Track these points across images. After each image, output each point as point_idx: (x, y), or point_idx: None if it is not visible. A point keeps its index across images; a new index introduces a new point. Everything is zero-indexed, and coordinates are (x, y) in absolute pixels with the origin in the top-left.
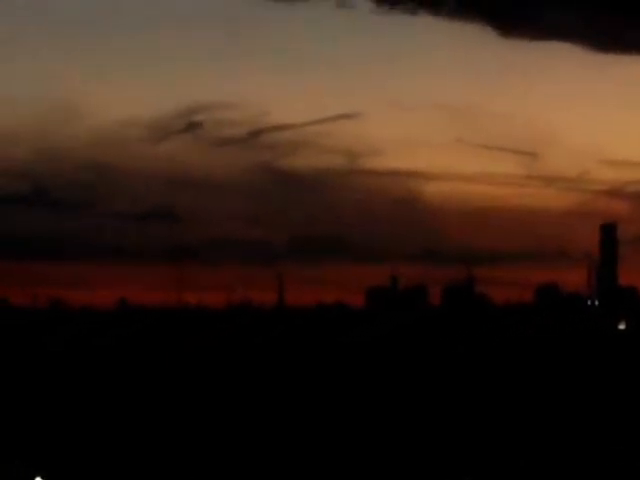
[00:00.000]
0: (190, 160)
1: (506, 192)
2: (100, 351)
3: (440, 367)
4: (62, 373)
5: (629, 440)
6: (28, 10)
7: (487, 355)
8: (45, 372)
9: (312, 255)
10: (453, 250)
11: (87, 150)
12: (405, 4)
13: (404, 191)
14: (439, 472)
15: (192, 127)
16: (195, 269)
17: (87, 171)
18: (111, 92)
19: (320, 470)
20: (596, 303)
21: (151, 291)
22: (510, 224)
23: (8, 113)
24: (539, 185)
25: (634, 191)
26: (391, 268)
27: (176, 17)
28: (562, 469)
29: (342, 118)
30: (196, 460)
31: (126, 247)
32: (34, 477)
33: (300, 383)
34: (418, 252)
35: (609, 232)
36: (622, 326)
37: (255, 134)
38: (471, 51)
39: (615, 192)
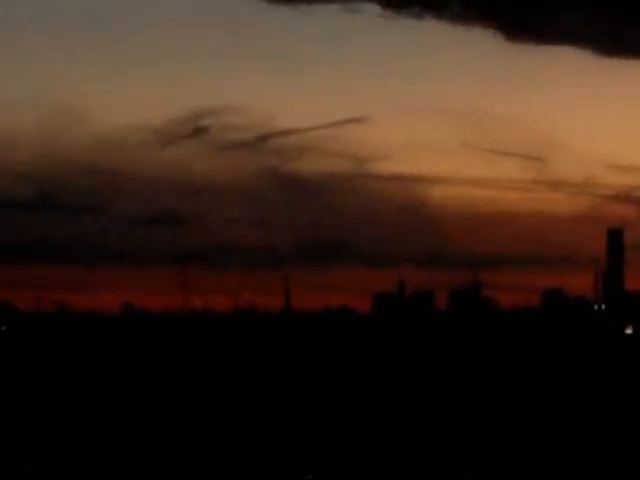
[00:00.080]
0: (196, 165)
1: (512, 197)
2: (106, 355)
3: (447, 371)
4: (69, 377)
5: (633, 442)
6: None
7: (493, 359)
8: (51, 376)
9: (318, 259)
10: (459, 255)
11: (93, 154)
12: (411, 8)
13: (410, 196)
14: (439, 472)
15: (198, 132)
16: (201, 273)
17: (92, 175)
18: (116, 96)
19: (323, 470)
20: (603, 308)
21: (157, 295)
22: (516, 229)
23: (12, 117)
24: (545, 190)
25: None
26: (397, 273)
27: (182, 21)
28: (562, 469)
29: (348, 123)
30: (205, 464)
31: (132, 252)
32: (34, 477)
33: (306, 387)
34: (424, 257)
35: (616, 237)
36: (629, 331)
37: (261, 139)
38: (477, 55)
39: (622, 197)
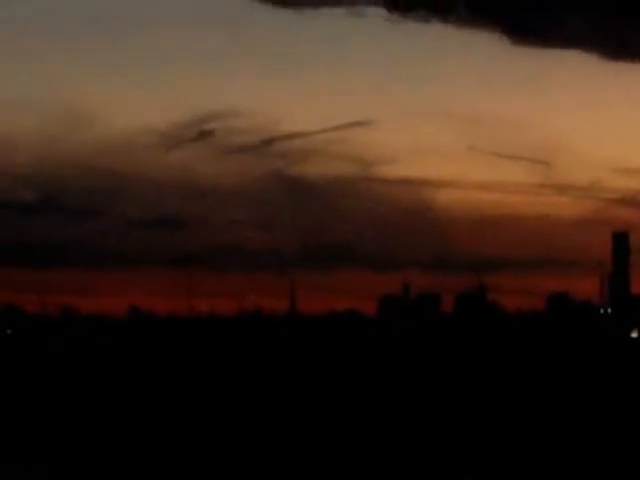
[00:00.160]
0: (201, 168)
1: (518, 200)
2: (113, 357)
3: (452, 374)
4: (75, 379)
5: (636, 445)
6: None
7: (498, 363)
8: (58, 378)
9: (324, 263)
10: (465, 258)
11: (98, 157)
12: (417, 12)
13: (416, 199)
14: (439, 472)
15: (204, 135)
16: (206, 276)
17: (97, 179)
18: (118, 97)
19: (324, 470)
20: (608, 311)
21: (161, 298)
22: (522, 232)
23: (12, 118)
24: (551, 193)
25: None
26: (403, 276)
27: (183, 22)
28: (562, 469)
29: (353, 126)
30: (210, 466)
31: (136, 255)
32: (34, 477)
33: (312, 390)
34: (430, 260)
35: (621, 240)
36: (634, 334)
37: (266, 142)
38: (483, 59)
39: (627, 200)
